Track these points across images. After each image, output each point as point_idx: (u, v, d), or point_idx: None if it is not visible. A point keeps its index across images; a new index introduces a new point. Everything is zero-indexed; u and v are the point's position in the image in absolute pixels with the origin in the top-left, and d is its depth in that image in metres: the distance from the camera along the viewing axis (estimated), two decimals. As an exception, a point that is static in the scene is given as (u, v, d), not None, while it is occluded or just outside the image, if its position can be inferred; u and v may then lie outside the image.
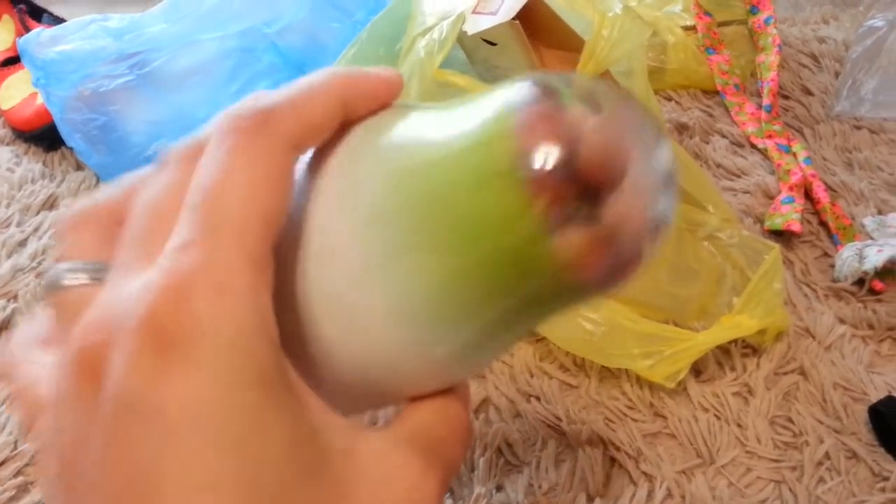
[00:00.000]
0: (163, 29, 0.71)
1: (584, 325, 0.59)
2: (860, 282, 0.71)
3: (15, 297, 0.65)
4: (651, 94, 0.75)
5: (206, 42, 0.74)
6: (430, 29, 0.70)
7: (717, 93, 0.95)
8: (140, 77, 0.72)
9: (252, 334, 0.19)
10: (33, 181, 0.78)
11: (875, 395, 0.63)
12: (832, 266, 0.74)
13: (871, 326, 0.69)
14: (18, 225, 0.72)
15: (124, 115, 0.73)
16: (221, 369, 0.18)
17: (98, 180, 0.77)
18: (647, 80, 0.75)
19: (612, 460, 0.57)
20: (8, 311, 0.64)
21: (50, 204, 0.76)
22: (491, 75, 0.79)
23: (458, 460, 0.23)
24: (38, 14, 0.95)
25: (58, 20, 0.95)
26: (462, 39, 0.75)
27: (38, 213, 0.75)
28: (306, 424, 0.20)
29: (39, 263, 0.69)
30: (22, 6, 0.91)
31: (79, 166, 0.79)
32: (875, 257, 0.70)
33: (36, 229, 0.73)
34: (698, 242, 0.71)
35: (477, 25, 0.70)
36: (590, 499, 0.54)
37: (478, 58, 0.78)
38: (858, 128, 0.91)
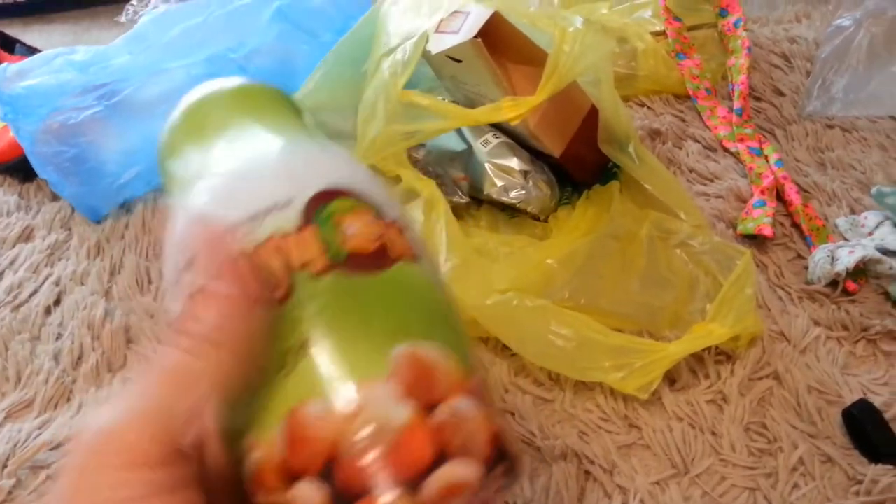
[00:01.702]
0: (128, 60, 0.72)
1: (555, 341, 0.59)
2: (834, 283, 0.72)
3: (-10, 333, 0.65)
4: (619, 103, 0.75)
5: (174, 70, 0.75)
6: (394, 50, 0.70)
7: (688, 97, 0.95)
8: (109, 107, 0.72)
9: None
10: (8, 213, 0.78)
11: (850, 398, 0.63)
12: (806, 268, 0.74)
13: (845, 328, 0.69)
14: (-7, 259, 0.73)
15: (95, 145, 0.74)
16: None
17: (73, 211, 0.77)
18: (614, 88, 0.75)
19: (587, 474, 0.57)
20: (-17, 346, 0.64)
21: (26, 236, 0.76)
22: (459, 91, 0.80)
23: None
24: (11, 45, 0.96)
25: (31, 50, 0.95)
26: (429, 57, 0.76)
27: (13, 245, 0.75)
28: None
29: (15, 297, 0.69)
30: (-7, 39, 0.91)
31: (54, 197, 0.79)
32: (847, 258, 0.71)
33: (12, 262, 0.73)
34: (670, 250, 0.71)
35: (440, 45, 0.70)
36: (565, 514, 0.54)
37: (445, 74, 0.78)
38: (831, 127, 0.92)
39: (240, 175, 0.27)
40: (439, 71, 0.80)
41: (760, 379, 0.64)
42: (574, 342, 0.59)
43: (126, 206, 0.77)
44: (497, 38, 0.71)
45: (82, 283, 0.70)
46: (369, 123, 0.70)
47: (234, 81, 0.33)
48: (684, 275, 0.70)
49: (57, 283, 0.70)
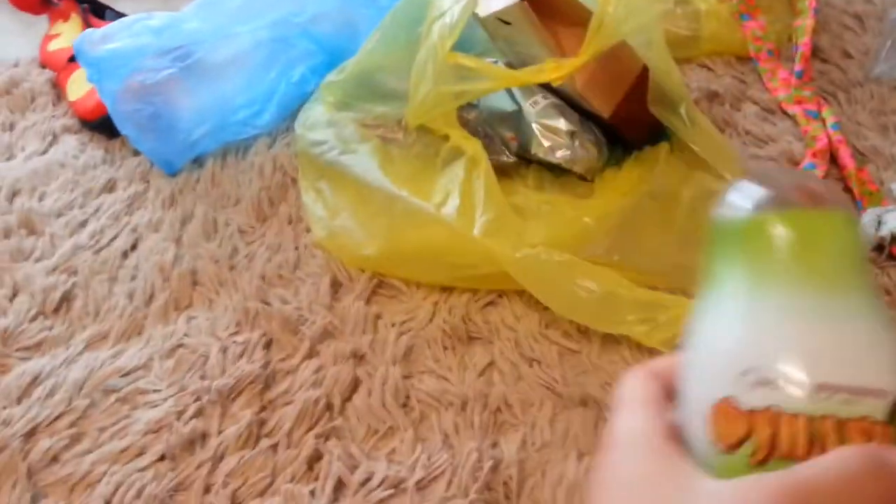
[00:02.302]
0: (199, 24, 0.77)
1: (580, 294, 0.61)
2: (880, 247, 0.71)
3: (75, 272, 0.73)
4: (671, 64, 0.76)
5: (241, 34, 0.80)
6: (443, 13, 0.73)
7: (750, 59, 0.94)
8: (182, 69, 0.78)
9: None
10: (95, 167, 0.85)
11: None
12: (853, 232, 0.73)
13: (888, 293, 0.69)
14: (81, 207, 0.80)
15: (170, 104, 0.80)
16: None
17: (151, 165, 0.84)
18: (666, 49, 0.76)
19: (606, 421, 0.60)
20: (68, 284, 0.71)
21: (109, 187, 0.83)
22: (512, 53, 0.82)
23: None
24: (101, 11, 1.03)
25: (120, 16, 1.03)
26: (481, 20, 0.78)
27: (98, 195, 0.82)
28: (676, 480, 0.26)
29: (97, 241, 0.76)
30: (86, 5, 0.99)
31: (135, 153, 0.86)
32: (893, 223, 0.70)
33: (96, 210, 0.80)
34: (711, 212, 0.72)
35: (487, 8, 0.72)
36: (580, 456, 0.57)
37: (498, 36, 0.81)
38: (898, 89, 0.89)
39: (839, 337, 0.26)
40: (492, 33, 0.82)
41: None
42: (599, 295, 0.61)
43: (198, 161, 0.83)
44: (546, 0, 0.73)
45: (157, 231, 0.77)
46: (420, 84, 0.73)
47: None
48: None
49: (134, 230, 0.77)
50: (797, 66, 0.89)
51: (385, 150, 0.75)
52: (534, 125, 0.78)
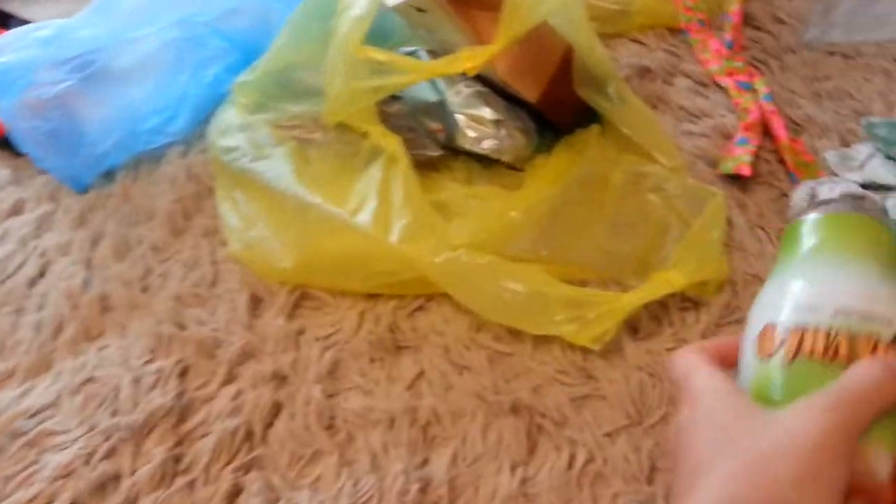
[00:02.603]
0: (94, 31, 0.73)
1: (506, 296, 0.59)
2: (816, 221, 0.69)
3: (-19, 304, 0.69)
4: (594, 42, 0.73)
5: (144, 37, 0.75)
6: (351, 5, 0.69)
7: (682, 31, 0.91)
8: (82, 79, 0.73)
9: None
10: (1, 188, 0.81)
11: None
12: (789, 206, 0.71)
13: (825, 267, 0.67)
14: (-14, 232, 0.76)
15: (72, 117, 0.75)
16: None
17: (60, 182, 0.79)
18: (589, 27, 0.73)
19: (539, 427, 0.57)
20: (-27, 317, 0.67)
21: (17, 209, 0.78)
22: (432, 39, 0.78)
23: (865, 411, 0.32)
24: (6, 20, 0.97)
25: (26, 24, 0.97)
26: (396, 9, 0.74)
27: (6, 219, 0.77)
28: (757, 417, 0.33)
29: (3, 270, 0.72)
30: (-14, 15, 0.93)
31: (43, 171, 0.82)
32: (827, 196, 0.68)
33: (3, 235, 0.75)
34: (643, 195, 0.70)
35: None
36: (513, 467, 0.55)
37: (416, 24, 0.77)
38: (831, 54, 0.87)
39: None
40: (409, 21, 0.78)
41: (728, 324, 0.63)
42: (524, 296, 0.58)
43: (109, 175, 0.79)
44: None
45: (66, 254, 0.72)
46: (333, 81, 0.69)
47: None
48: (655, 220, 0.68)
49: (42, 255, 0.72)
50: (727, 36, 0.87)
51: (302, 152, 0.72)
52: (458, 115, 0.75)
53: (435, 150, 0.76)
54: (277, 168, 0.68)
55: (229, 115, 0.75)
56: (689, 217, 0.67)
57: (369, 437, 0.57)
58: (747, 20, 0.91)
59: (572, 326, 0.58)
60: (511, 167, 0.76)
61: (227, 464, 0.56)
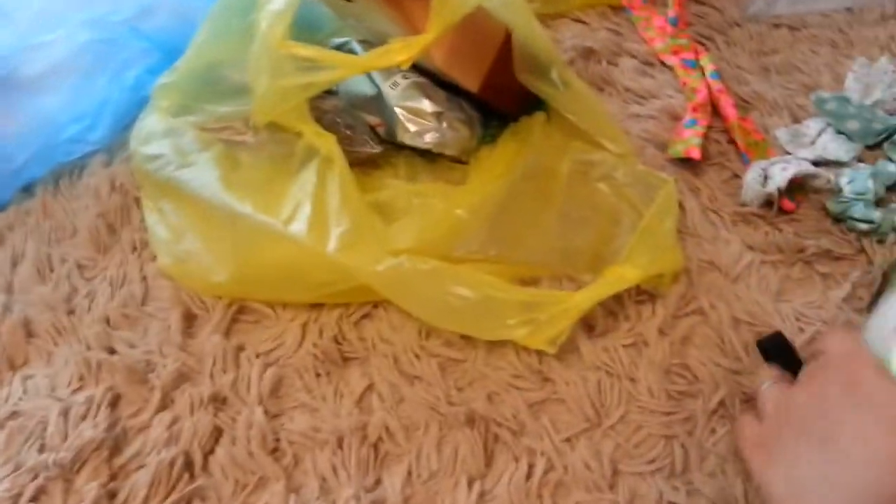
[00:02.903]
0: (-7, 39, 0.67)
1: (454, 303, 0.55)
2: (769, 203, 0.67)
3: None
4: (534, 25, 0.69)
5: (53, 41, 0.70)
6: None
7: (624, 8, 0.89)
8: (-12, 89, 0.68)
9: None
10: (-88, 209, 0.75)
11: (781, 327, 0.60)
12: (742, 188, 0.69)
13: (780, 250, 0.65)
14: None
15: (-19, 131, 0.70)
16: None
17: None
18: (528, 10, 0.70)
19: (496, 437, 0.55)
20: None
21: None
22: (363, 29, 0.74)
23: None
24: None
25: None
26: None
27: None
28: None
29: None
30: None
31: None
32: (779, 176, 0.66)
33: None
34: (592, 185, 0.67)
35: None
36: (470, 481, 0.52)
37: (345, 15, 0.73)
38: (777, 27, 0.86)
39: None
40: (338, 12, 0.74)
41: (685, 316, 0.61)
42: (473, 302, 0.55)
43: (28, 190, 0.74)
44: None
45: (-16, 277, 0.68)
46: (258, 79, 0.65)
47: None
48: (606, 210, 0.66)
49: (-42, 280, 0.68)
50: (671, 13, 0.84)
51: (231, 156, 0.67)
52: (396, 109, 0.71)
53: (375, 147, 0.72)
54: (204, 176, 0.64)
55: (151, 121, 0.70)
56: (640, 206, 0.65)
57: (317, 460, 0.54)
58: (690, -5, 0.89)
59: (524, 330, 0.56)
60: (456, 160, 0.73)
61: (166, 497, 0.52)
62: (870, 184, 0.64)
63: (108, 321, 0.63)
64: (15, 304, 0.65)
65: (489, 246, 0.61)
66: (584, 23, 0.89)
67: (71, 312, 0.64)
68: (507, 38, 0.70)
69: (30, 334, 0.63)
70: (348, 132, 0.72)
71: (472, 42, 0.69)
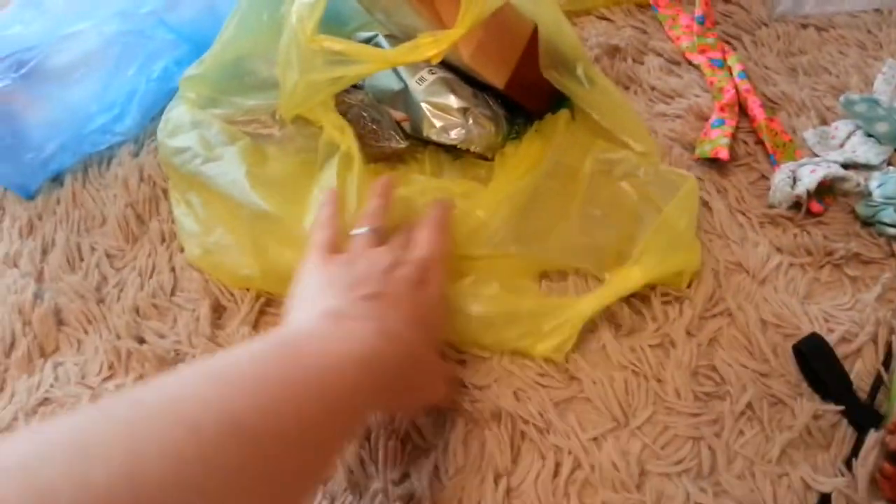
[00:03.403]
0: (24, 28, 0.68)
1: (455, 318, 0.56)
2: (798, 205, 0.67)
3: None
4: (561, 21, 0.68)
5: (83, 32, 0.70)
6: None
7: (650, 6, 0.88)
8: (17, 79, 0.69)
9: None
10: (-59, 196, 0.76)
11: (809, 329, 0.60)
12: (769, 190, 0.69)
13: (809, 253, 0.65)
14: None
15: (10, 120, 0.70)
16: None
17: (4, 190, 0.74)
18: (556, 5, 0.69)
19: (522, 434, 0.55)
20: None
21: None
22: (392, 23, 0.74)
23: None
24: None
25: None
26: (352, -8, 0.71)
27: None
28: None
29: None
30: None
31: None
32: (808, 178, 0.66)
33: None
34: (614, 184, 0.67)
35: None
36: (497, 478, 0.53)
37: (373, 8, 0.73)
38: (804, 27, 0.85)
39: None
40: (366, 6, 0.74)
41: (713, 317, 0.61)
42: (475, 318, 0.56)
43: (57, 179, 0.74)
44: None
45: (15, 266, 0.68)
46: (287, 74, 0.64)
47: None
48: (628, 209, 0.65)
49: (-11, 267, 0.68)
50: (698, 11, 0.84)
51: (258, 150, 0.67)
52: (423, 104, 0.71)
53: (401, 142, 0.72)
54: (231, 172, 0.63)
55: (177, 113, 0.70)
56: (662, 204, 0.64)
57: (345, 452, 0.54)
58: (717, -7, 0.88)
59: (528, 341, 0.56)
60: (481, 157, 0.73)
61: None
62: (900, 187, 0.64)
63: (137, 311, 0.63)
64: (45, 291, 0.65)
65: (510, 243, 0.61)
66: (609, 20, 0.89)
67: (101, 301, 0.64)
68: (534, 34, 0.70)
69: (60, 322, 0.64)
70: (374, 126, 0.72)
71: (499, 38, 0.69)
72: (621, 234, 0.64)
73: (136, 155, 0.75)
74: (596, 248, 0.63)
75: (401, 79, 0.73)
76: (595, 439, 0.54)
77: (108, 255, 0.68)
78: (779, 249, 0.65)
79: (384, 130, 0.72)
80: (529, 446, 0.54)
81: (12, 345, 0.63)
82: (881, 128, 0.70)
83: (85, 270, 0.67)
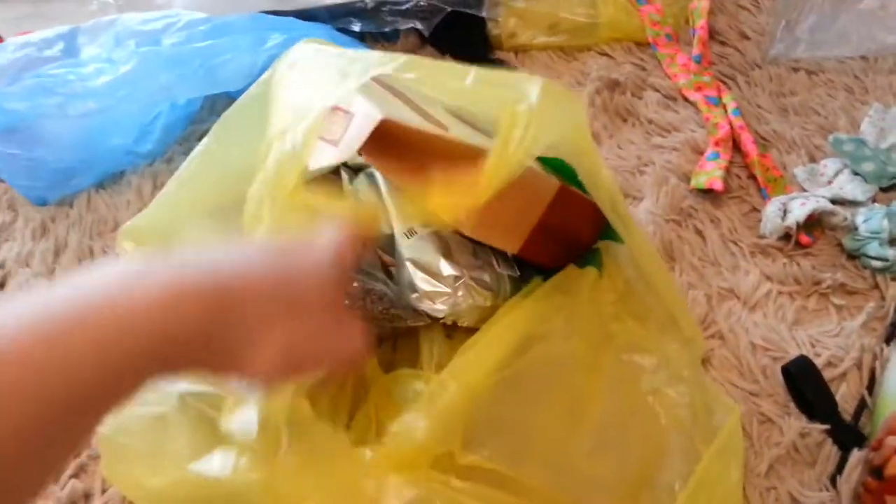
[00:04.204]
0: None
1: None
2: (787, 236, 0.70)
3: None
4: (601, 170, 0.55)
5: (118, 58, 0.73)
6: (283, 133, 0.50)
7: (650, 45, 0.92)
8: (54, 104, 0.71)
9: None
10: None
11: (796, 353, 0.62)
12: (761, 221, 0.72)
13: (797, 282, 0.68)
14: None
15: (34, 140, 0.72)
16: None
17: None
18: (598, 155, 0.58)
19: None
20: None
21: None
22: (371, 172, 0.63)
23: None
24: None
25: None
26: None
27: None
28: None
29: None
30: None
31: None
32: (798, 211, 0.69)
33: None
34: (639, 397, 0.55)
35: (318, 159, 0.56)
36: None
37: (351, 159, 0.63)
38: (796, 70, 0.89)
39: None
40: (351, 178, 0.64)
41: (705, 339, 0.63)
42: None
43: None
44: (394, 138, 0.52)
45: (27, 265, 0.70)
46: (256, 225, 0.50)
47: None
48: (653, 434, 0.53)
49: (2, 266, 0.70)
50: (695, 51, 0.88)
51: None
52: (407, 263, 0.57)
53: (416, 320, 0.57)
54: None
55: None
56: (696, 436, 0.53)
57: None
58: (713, 35, 0.92)
59: None
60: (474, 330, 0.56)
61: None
62: (885, 223, 0.67)
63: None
64: (57, 292, 0.67)
65: (500, 457, 0.48)
66: (609, 56, 0.93)
67: (112, 303, 0.66)
68: (559, 194, 0.57)
69: (71, 322, 0.65)
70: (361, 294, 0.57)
71: (512, 203, 0.54)
72: (639, 464, 0.52)
73: (149, 164, 0.77)
74: (606, 482, 0.51)
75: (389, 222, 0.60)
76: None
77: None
78: (769, 278, 0.68)
79: (370, 296, 0.57)
80: None
81: (23, 342, 0.64)
82: (867, 167, 0.74)
83: (97, 273, 0.68)
